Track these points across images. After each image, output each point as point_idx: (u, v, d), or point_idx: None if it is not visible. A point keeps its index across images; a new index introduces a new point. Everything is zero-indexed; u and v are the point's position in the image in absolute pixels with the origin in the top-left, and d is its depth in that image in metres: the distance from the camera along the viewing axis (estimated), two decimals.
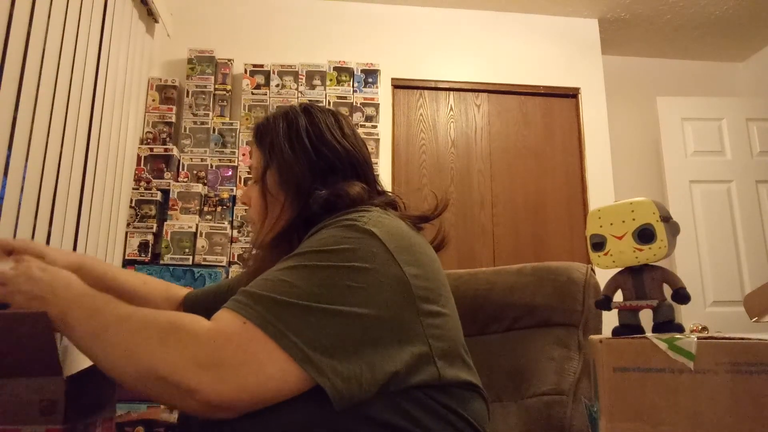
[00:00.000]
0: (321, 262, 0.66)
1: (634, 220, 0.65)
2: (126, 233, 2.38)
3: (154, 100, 2.59)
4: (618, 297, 0.68)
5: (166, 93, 2.61)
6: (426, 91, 2.93)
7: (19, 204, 1.51)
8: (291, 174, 0.83)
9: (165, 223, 2.41)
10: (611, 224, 0.67)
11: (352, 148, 0.86)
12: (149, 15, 2.52)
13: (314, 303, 0.63)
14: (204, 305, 1.04)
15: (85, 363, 0.67)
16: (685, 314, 2.78)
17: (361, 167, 0.86)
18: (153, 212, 2.42)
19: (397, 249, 0.71)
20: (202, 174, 2.55)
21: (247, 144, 2.60)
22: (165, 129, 2.56)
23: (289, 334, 0.61)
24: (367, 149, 0.90)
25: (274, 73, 2.69)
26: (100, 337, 0.62)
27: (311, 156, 0.83)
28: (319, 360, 0.61)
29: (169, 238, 2.39)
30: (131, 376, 0.60)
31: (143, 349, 0.60)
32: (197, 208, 2.46)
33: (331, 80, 2.71)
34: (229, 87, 2.66)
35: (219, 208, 2.50)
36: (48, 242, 1.65)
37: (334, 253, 0.67)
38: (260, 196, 0.86)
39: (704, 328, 2.68)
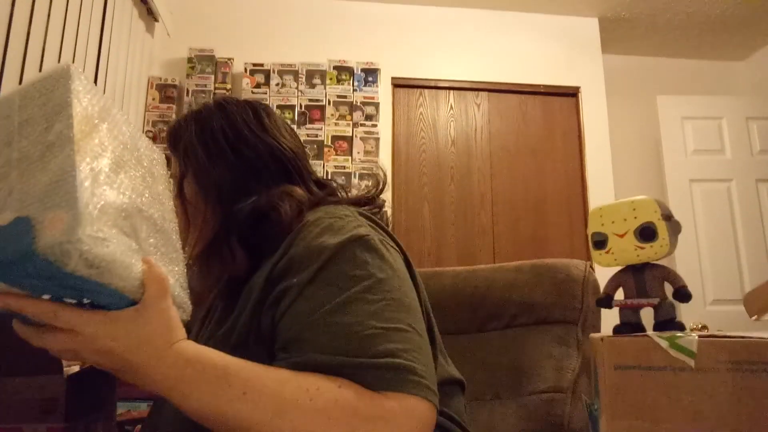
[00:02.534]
0: (392, 294, 0.63)
1: (635, 218, 0.65)
2: None
3: (154, 99, 2.58)
4: (619, 295, 0.68)
5: (166, 92, 2.61)
6: (426, 90, 2.93)
7: None
8: (208, 180, 0.76)
9: None
10: (613, 222, 0.67)
11: (275, 143, 0.78)
12: (149, 14, 2.52)
13: (419, 337, 0.62)
14: None
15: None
16: (684, 313, 2.78)
17: (290, 161, 0.79)
18: None
19: (394, 248, 0.71)
20: None
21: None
22: (165, 128, 2.56)
23: (430, 382, 0.60)
24: (296, 139, 0.83)
25: (274, 72, 2.69)
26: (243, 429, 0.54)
27: (229, 157, 0.76)
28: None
29: None
30: None
31: None
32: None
33: (331, 79, 2.71)
34: (229, 86, 2.66)
35: None
36: None
37: (389, 279, 0.65)
38: (180, 206, 0.77)
39: (704, 327, 2.68)
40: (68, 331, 0.49)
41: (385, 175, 0.84)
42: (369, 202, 0.81)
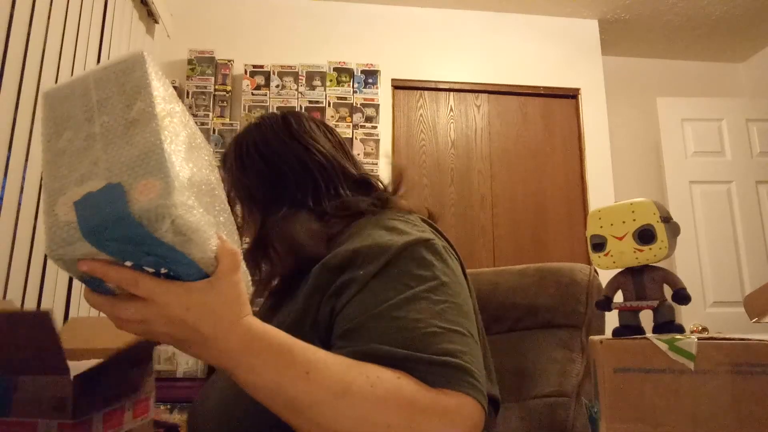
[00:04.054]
0: (453, 299, 0.66)
1: (634, 220, 0.65)
2: None
3: None
4: (618, 297, 0.68)
5: None
6: (426, 92, 2.93)
7: (19, 205, 1.51)
8: (242, 187, 0.83)
9: None
10: (611, 225, 0.67)
11: (301, 147, 0.82)
12: (149, 16, 2.52)
13: (475, 343, 0.64)
14: None
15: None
16: (685, 315, 2.78)
17: (317, 165, 0.81)
18: None
19: (454, 257, 0.76)
20: None
21: None
22: None
23: (483, 387, 0.61)
24: (332, 142, 0.86)
25: (274, 73, 2.69)
26: (300, 413, 0.55)
27: (260, 166, 0.82)
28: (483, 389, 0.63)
29: None
30: None
31: None
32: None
33: (331, 81, 2.71)
34: (229, 88, 2.66)
35: None
36: None
37: (452, 283, 0.68)
38: None
39: (704, 329, 2.68)
40: (144, 300, 0.50)
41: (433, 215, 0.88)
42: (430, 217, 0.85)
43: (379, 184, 0.86)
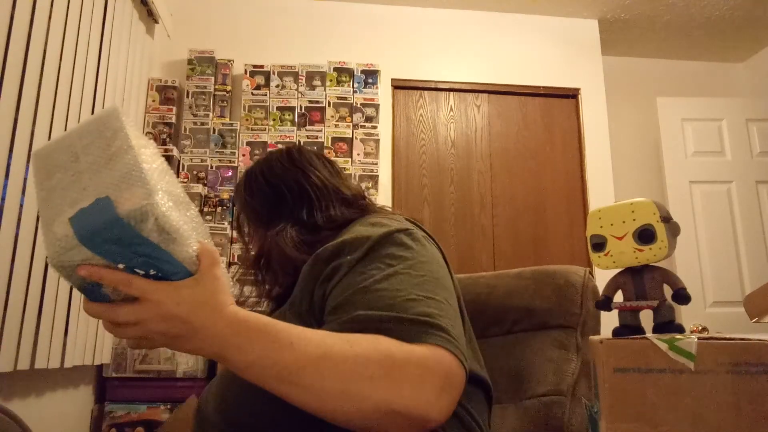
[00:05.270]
0: (432, 274, 0.73)
1: (634, 220, 0.65)
2: None
3: (154, 101, 2.59)
4: (618, 297, 0.68)
5: (166, 93, 2.61)
6: (426, 92, 2.94)
7: (21, 207, 1.51)
8: (249, 209, 0.96)
9: None
10: (611, 225, 0.67)
11: (301, 172, 0.93)
12: (149, 16, 2.52)
13: (454, 312, 0.71)
14: None
15: None
16: (685, 315, 2.78)
17: (314, 187, 0.91)
18: None
19: (436, 247, 0.82)
20: (202, 174, 2.55)
21: (247, 144, 2.59)
22: (165, 129, 2.56)
23: (460, 346, 0.66)
24: (329, 170, 0.96)
25: (274, 73, 2.69)
26: (290, 381, 0.60)
27: (264, 189, 0.94)
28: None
29: None
30: (345, 415, 0.61)
31: (367, 388, 0.60)
32: (197, 208, 2.46)
33: (331, 81, 2.71)
34: (229, 87, 2.66)
35: (219, 209, 2.50)
36: None
37: (430, 263, 0.75)
38: (239, 234, 1.01)
39: (704, 329, 2.68)
40: (137, 302, 0.57)
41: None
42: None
43: (368, 202, 0.95)
